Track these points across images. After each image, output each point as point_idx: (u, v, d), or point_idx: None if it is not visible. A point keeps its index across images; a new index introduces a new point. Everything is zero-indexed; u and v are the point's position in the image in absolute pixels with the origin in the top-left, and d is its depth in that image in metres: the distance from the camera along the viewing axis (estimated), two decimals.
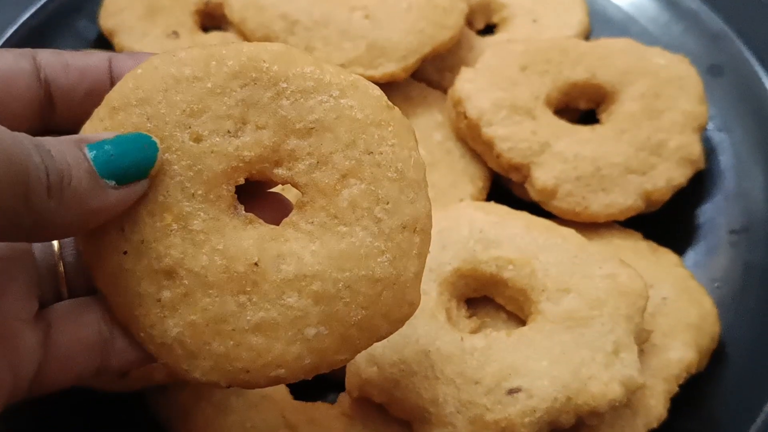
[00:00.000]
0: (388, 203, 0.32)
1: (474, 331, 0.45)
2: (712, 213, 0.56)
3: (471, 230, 0.47)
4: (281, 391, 0.45)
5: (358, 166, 0.32)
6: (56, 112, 0.34)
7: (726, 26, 0.62)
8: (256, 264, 0.31)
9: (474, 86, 0.55)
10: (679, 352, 0.46)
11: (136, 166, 0.30)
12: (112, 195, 0.30)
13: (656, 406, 0.44)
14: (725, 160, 0.58)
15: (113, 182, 0.29)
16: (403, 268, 0.32)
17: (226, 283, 0.31)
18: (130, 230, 0.31)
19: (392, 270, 0.32)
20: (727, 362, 0.48)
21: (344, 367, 0.43)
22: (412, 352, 0.42)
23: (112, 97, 0.32)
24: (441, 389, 0.41)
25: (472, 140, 0.55)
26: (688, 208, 0.56)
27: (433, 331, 0.43)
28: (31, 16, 0.63)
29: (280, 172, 0.32)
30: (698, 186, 0.56)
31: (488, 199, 0.55)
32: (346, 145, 0.32)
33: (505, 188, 0.56)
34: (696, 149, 0.54)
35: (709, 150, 0.58)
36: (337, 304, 0.31)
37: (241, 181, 0.32)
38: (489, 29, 0.67)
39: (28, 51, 0.34)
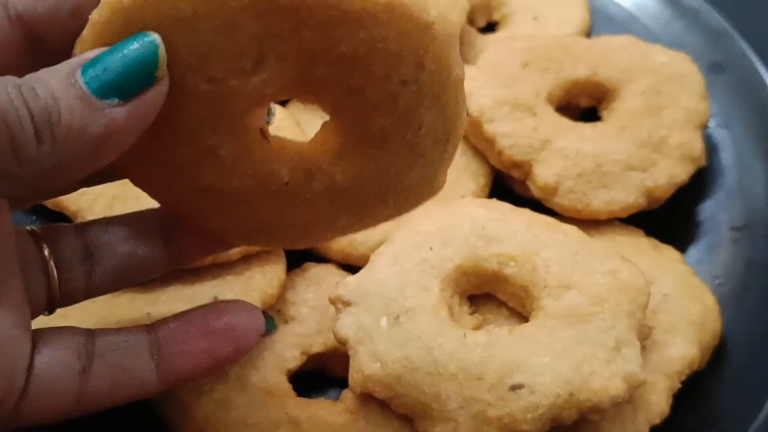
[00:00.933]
0: (421, 128, 0.31)
1: (476, 328, 0.45)
2: (713, 210, 0.56)
3: (472, 227, 0.47)
4: (284, 388, 0.45)
5: (392, 99, 0.30)
6: (49, 47, 0.30)
7: (727, 24, 0.63)
8: (286, 183, 0.32)
9: (475, 83, 0.55)
10: (681, 348, 0.46)
11: (135, 72, 0.26)
12: (120, 113, 0.26)
13: (658, 403, 0.44)
14: (726, 157, 0.58)
15: (115, 99, 0.26)
16: (434, 174, 0.33)
17: (261, 197, 0.33)
18: (163, 157, 0.31)
19: (425, 174, 0.33)
20: (729, 359, 0.48)
21: (347, 363, 0.43)
22: (414, 348, 0.42)
23: (100, 30, 0.28)
24: (444, 385, 0.41)
25: (473, 137, 0.55)
26: (690, 206, 0.56)
27: (435, 327, 0.43)
28: None
29: (305, 96, 0.31)
30: (699, 183, 0.56)
31: (490, 196, 0.55)
32: (378, 79, 0.29)
33: (507, 186, 0.56)
34: (697, 146, 0.54)
35: (711, 147, 0.58)
36: (368, 209, 0.34)
37: (265, 108, 0.32)
38: (490, 27, 0.67)
39: None
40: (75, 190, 0.35)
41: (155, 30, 0.27)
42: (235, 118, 0.30)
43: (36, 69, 0.29)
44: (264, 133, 0.32)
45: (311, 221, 0.34)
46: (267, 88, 0.29)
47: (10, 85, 0.25)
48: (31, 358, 0.29)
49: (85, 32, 0.28)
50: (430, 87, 0.30)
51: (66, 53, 0.29)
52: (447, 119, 0.31)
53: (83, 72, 0.26)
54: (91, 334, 0.32)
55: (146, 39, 0.27)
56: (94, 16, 0.28)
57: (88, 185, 0.35)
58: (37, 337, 0.30)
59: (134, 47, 0.26)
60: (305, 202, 0.33)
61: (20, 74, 0.28)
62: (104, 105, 0.26)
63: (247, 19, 0.27)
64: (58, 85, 0.26)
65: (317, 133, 0.33)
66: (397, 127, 0.31)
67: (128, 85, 0.26)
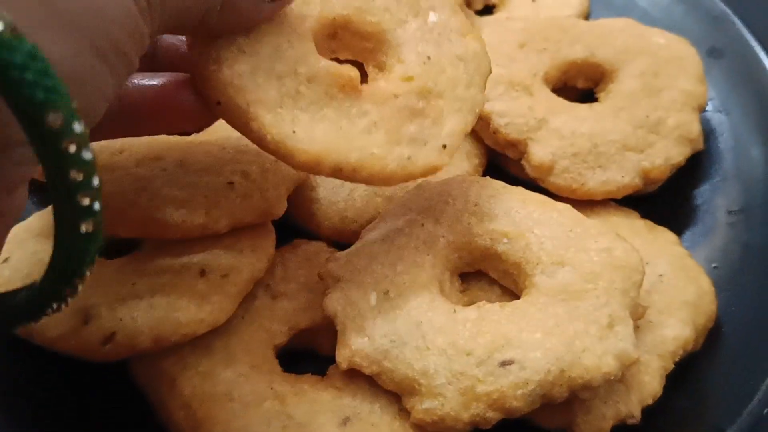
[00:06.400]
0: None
1: (467, 305, 0.44)
2: (710, 194, 0.55)
3: (466, 203, 0.46)
4: (270, 363, 0.44)
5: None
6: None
7: (727, 9, 0.62)
8: None
9: None
10: (675, 329, 0.45)
11: None
12: (268, 7, 0.38)
13: (651, 383, 0.43)
14: (724, 141, 0.57)
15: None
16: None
17: None
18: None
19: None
20: (724, 342, 0.48)
21: (336, 341, 0.43)
22: (403, 323, 0.41)
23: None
24: (432, 360, 0.40)
25: None
26: (686, 190, 0.56)
27: (425, 302, 0.42)
28: None
29: None
30: (696, 167, 0.56)
31: (484, 176, 0.54)
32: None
33: (501, 166, 0.56)
34: (695, 128, 0.53)
35: (708, 131, 0.58)
36: None
37: None
38: (488, 10, 0.66)
39: None
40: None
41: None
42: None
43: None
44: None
45: None
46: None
47: None
48: None
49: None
50: None
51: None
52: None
53: None
54: None
55: None
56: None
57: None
58: None
59: None
60: None
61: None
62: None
63: None
64: None
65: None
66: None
67: None
